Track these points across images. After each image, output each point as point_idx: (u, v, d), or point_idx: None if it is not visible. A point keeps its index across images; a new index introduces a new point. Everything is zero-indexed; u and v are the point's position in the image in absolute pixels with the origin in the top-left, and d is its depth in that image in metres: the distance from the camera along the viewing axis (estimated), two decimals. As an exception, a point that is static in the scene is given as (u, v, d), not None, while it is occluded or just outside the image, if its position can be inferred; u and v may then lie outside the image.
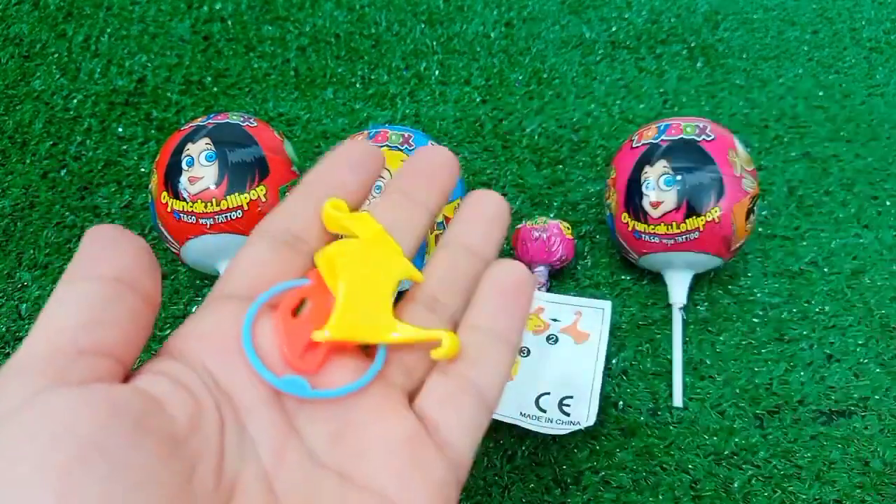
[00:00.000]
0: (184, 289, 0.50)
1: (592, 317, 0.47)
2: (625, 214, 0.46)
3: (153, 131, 0.58)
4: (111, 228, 0.18)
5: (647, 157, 0.45)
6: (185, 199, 0.43)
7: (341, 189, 0.22)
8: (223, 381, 0.18)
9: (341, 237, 0.21)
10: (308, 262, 0.21)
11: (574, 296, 0.48)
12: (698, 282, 0.49)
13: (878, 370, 0.46)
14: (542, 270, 0.48)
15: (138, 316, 0.18)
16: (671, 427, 0.44)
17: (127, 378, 0.18)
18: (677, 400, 0.45)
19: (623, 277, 0.50)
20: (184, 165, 0.43)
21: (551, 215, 0.53)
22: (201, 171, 0.43)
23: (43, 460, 0.14)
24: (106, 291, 0.17)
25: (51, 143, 0.58)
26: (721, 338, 0.47)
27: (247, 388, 0.19)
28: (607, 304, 0.47)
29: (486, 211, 0.23)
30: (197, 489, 0.16)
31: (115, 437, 0.15)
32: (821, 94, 0.61)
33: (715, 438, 0.43)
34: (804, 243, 0.52)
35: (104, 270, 0.17)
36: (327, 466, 0.19)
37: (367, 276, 0.20)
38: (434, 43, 0.64)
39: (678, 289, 0.47)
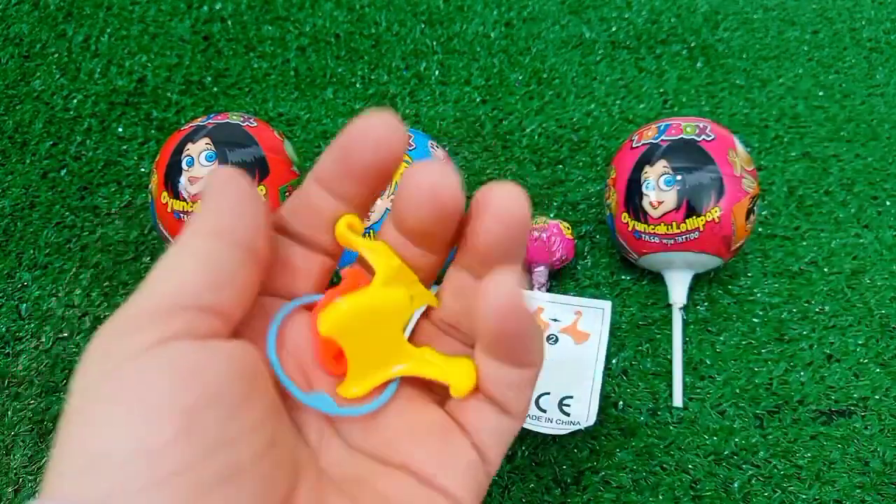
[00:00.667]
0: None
1: (592, 317, 0.47)
2: (625, 214, 0.46)
3: (153, 131, 0.58)
4: (238, 184, 0.18)
5: (647, 157, 0.45)
6: (185, 199, 0.43)
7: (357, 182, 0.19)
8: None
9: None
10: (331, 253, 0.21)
11: (574, 296, 0.48)
12: (698, 282, 0.49)
13: (878, 370, 0.46)
14: (542, 270, 0.48)
15: (252, 280, 0.18)
16: (671, 427, 0.44)
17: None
18: (677, 400, 0.45)
19: (623, 277, 0.50)
20: (184, 165, 0.43)
21: (551, 215, 0.53)
22: (201, 171, 0.43)
23: (171, 399, 0.15)
24: (230, 254, 0.18)
25: (51, 142, 0.58)
26: (721, 338, 0.47)
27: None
28: (607, 304, 0.47)
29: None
30: (285, 450, 0.18)
31: (235, 389, 0.16)
32: (821, 94, 0.61)
33: (715, 438, 0.43)
34: (804, 243, 0.52)
35: (229, 229, 0.18)
36: (364, 452, 0.20)
37: (378, 327, 0.19)
38: (434, 43, 0.64)
39: (678, 289, 0.47)
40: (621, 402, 0.45)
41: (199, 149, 0.43)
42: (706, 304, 0.49)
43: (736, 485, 0.42)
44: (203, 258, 0.17)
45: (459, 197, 0.18)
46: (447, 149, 0.57)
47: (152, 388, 0.15)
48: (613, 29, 0.65)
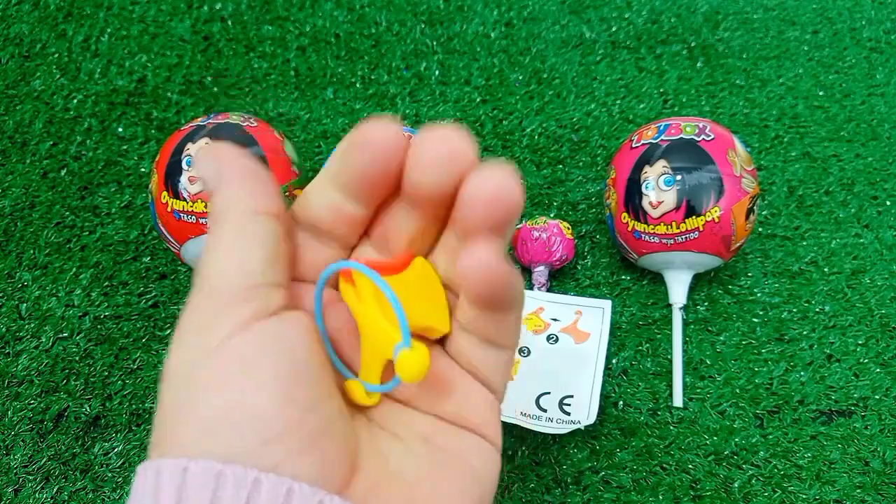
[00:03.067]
0: (184, 289, 0.50)
1: (592, 316, 0.47)
2: (624, 214, 0.46)
3: (153, 131, 0.58)
4: (245, 163, 0.20)
5: (647, 157, 0.45)
6: (185, 199, 0.43)
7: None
8: None
9: None
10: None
11: (574, 295, 0.48)
12: (698, 282, 0.49)
13: (878, 370, 0.46)
14: (542, 270, 0.48)
15: (290, 251, 0.20)
16: (671, 427, 0.44)
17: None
18: (677, 400, 0.45)
19: (623, 277, 0.50)
20: (184, 165, 0.43)
21: (551, 215, 0.53)
22: (201, 170, 0.43)
23: (271, 370, 0.18)
24: (276, 229, 0.19)
25: (51, 143, 0.58)
26: (721, 338, 0.47)
27: None
28: (607, 304, 0.47)
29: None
30: (347, 403, 0.21)
31: (315, 355, 0.19)
32: (821, 93, 0.61)
33: (715, 438, 0.43)
34: (804, 243, 0.52)
35: (262, 206, 0.19)
36: (397, 401, 0.22)
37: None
38: (434, 43, 0.64)
39: (678, 289, 0.47)
40: (621, 402, 0.45)
41: (200, 148, 0.43)
42: (706, 303, 0.49)
43: (736, 485, 0.42)
44: (252, 237, 0.19)
45: (475, 163, 0.19)
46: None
47: (253, 363, 0.18)
48: (613, 29, 0.65)
